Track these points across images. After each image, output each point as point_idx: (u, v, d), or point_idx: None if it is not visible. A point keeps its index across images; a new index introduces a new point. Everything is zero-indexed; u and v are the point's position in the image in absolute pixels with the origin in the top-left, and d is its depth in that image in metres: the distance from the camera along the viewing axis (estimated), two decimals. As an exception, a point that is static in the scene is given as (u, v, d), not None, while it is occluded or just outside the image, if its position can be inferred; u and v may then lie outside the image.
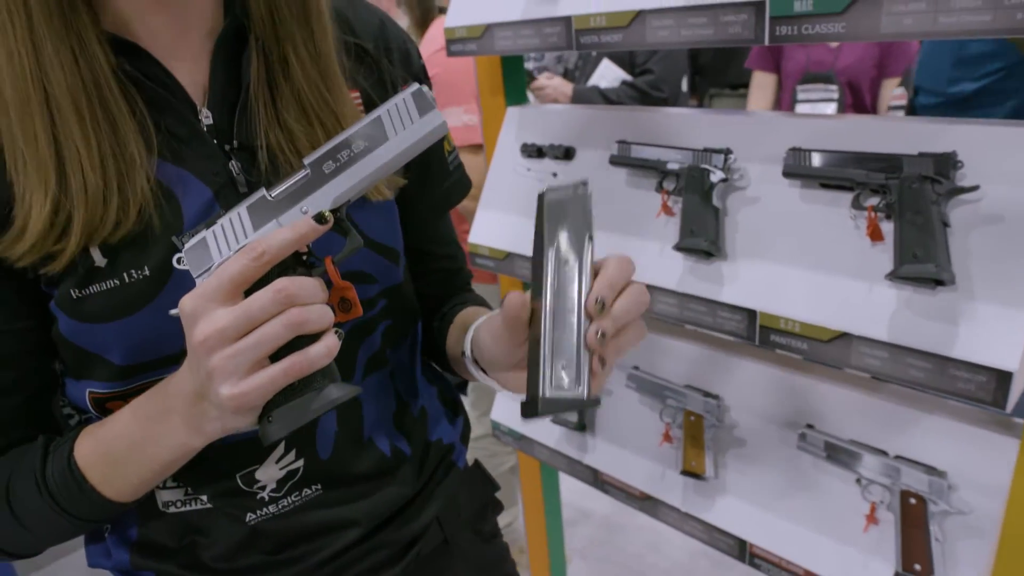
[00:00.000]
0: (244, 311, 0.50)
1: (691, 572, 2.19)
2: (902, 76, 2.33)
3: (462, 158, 0.89)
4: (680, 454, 1.06)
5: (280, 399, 0.53)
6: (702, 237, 0.92)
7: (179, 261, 0.55)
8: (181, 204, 0.60)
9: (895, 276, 0.75)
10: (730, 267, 0.92)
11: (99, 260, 0.58)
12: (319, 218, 0.54)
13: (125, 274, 0.59)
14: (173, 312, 0.52)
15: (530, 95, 2.50)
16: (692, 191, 0.93)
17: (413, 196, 0.77)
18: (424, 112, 0.55)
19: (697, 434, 1.04)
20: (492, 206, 1.23)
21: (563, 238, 0.56)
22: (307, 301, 0.52)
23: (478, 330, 0.70)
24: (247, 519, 0.69)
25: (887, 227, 0.79)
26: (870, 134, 0.82)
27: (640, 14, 0.88)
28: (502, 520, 2.14)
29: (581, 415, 1.22)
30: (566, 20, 0.97)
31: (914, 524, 0.84)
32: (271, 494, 0.69)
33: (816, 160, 0.84)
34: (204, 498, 0.68)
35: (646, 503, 1.13)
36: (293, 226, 0.53)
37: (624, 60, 2.49)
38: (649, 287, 0.98)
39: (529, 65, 2.64)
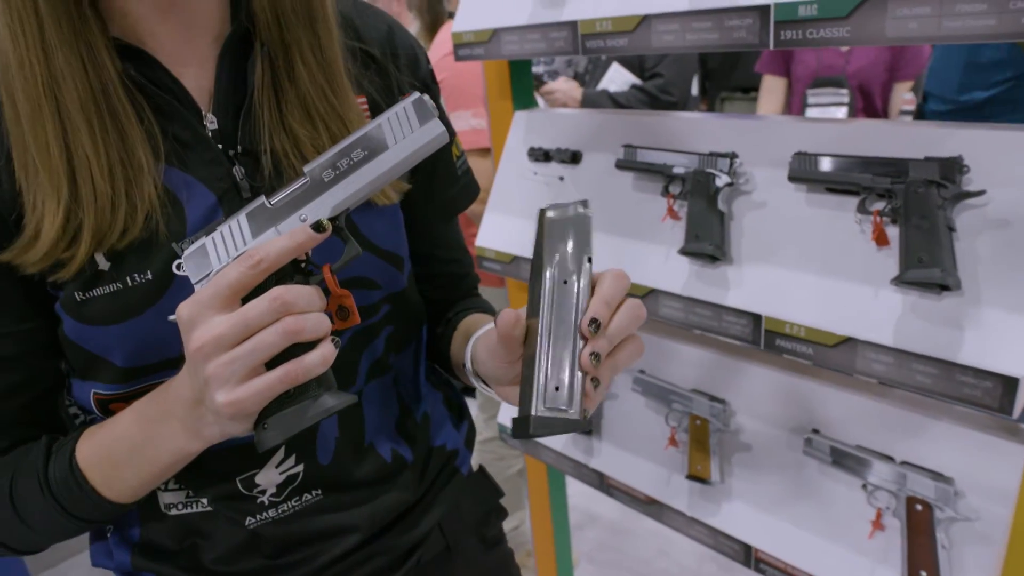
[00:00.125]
0: (240, 319, 0.50)
1: (699, 577, 2.18)
2: (914, 81, 2.32)
3: (470, 162, 0.89)
4: (686, 458, 1.06)
5: (276, 406, 0.53)
6: (707, 241, 0.92)
7: (178, 267, 0.55)
8: (185, 209, 0.61)
9: (900, 281, 0.74)
10: (735, 271, 0.92)
11: (103, 264, 0.59)
12: (317, 226, 0.54)
13: (128, 278, 0.59)
14: (172, 318, 0.53)
15: (540, 99, 2.51)
16: (698, 195, 0.93)
17: (420, 201, 0.77)
18: (425, 121, 0.55)
19: (703, 438, 1.04)
20: (499, 210, 1.23)
21: (562, 257, 0.56)
22: (303, 309, 0.52)
23: (476, 344, 0.70)
24: (247, 523, 0.69)
25: (893, 232, 0.78)
26: (876, 138, 0.82)
27: (645, 19, 0.88)
28: (509, 523, 2.14)
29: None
30: (572, 25, 0.97)
31: (920, 531, 0.83)
32: (271, 498, 0.70)
33: (822, 164, 0.83)
34: (205, 501, 0.69)
35: (652, 507, 1.13)
36: (291, 234, 0.53)
37: (634, 64, 2.49)
38: (654, 291, 0.99)
39: (539, 69, 2.65)
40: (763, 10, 0.77)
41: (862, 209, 0.81)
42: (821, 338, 0.82)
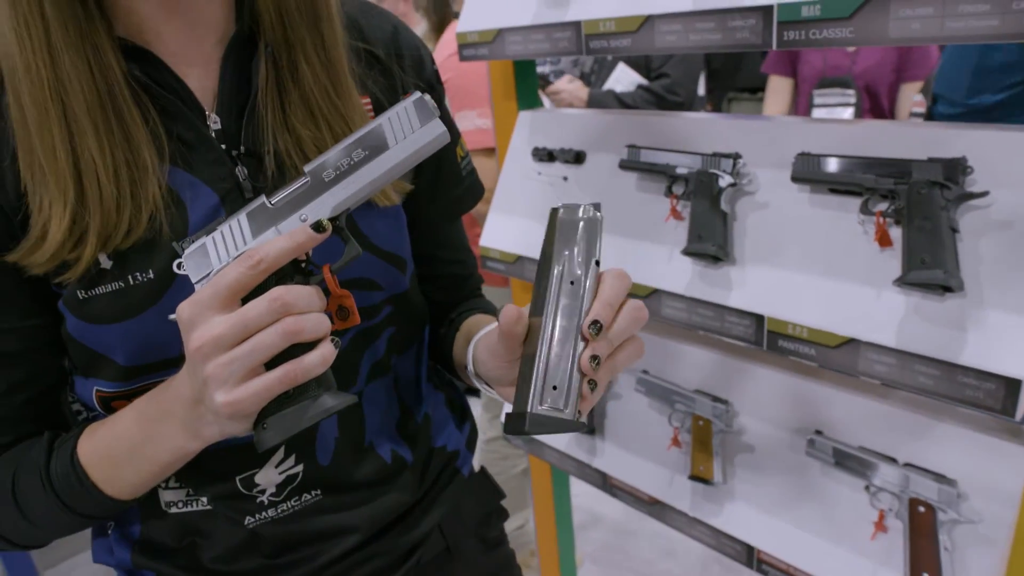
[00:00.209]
0: (240, 319, 0.51)
1: (703, 578, 2.18)
2: (923, 83, 2.30)
3: (476, 161, 0.89)
4: (688, 459, 1.06)
5: (275, 407, 0.53)
6: (710, 242, 0.92)
7: (179, 266, 0.55)
8: (188, 209, 0.61)
9: (903, 282, 0.74)
10: (738, 272, 0.92)
11: (105, 263, 0.59)
12: (317, 226, 0.54)
13: (130, 276, 0.59)
14: (172, 317, 0.53)
15: (546, 99, 2.51)
16: (701, 196, 0.93)
17: (424, 201, 0.77)
18: (425, 121, 0.55)
19: (705, 439, 1.04)
20: (503, 210, 1.23)
21: (570, 258, 0.56)
22: (303, 310, 0.52)
23: (477, 344, 0.70)
24: (246, 522, 0.70)
25: (896, 233, 0.78)
26: (880, 139, 0.81)
27: (649, 19, 0.88)
28: (514, 522, 2.14)
29: (591, 418, 1.23)
30: (576, 25, 0.97)
31: (923, 533, 0.83)
32: (271, 498, 0.70)
33: (825, 165, 0.83)
34: (204, 500, 0.69)
35: (654, 507, 1.13)
36: (291, 234, 0.53)
37: (640, 64, 2.49)
38: (657, 291, 0.99)
39: (546, 69, 2.65)
40: (766, 10, 0.77)
41: (865, 210, 0.80)
42: (823, 339, 0.82)
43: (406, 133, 0.55)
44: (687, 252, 0.94)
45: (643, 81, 2.49)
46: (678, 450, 1.09)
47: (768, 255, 0.90)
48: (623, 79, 2.50)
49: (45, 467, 0.63)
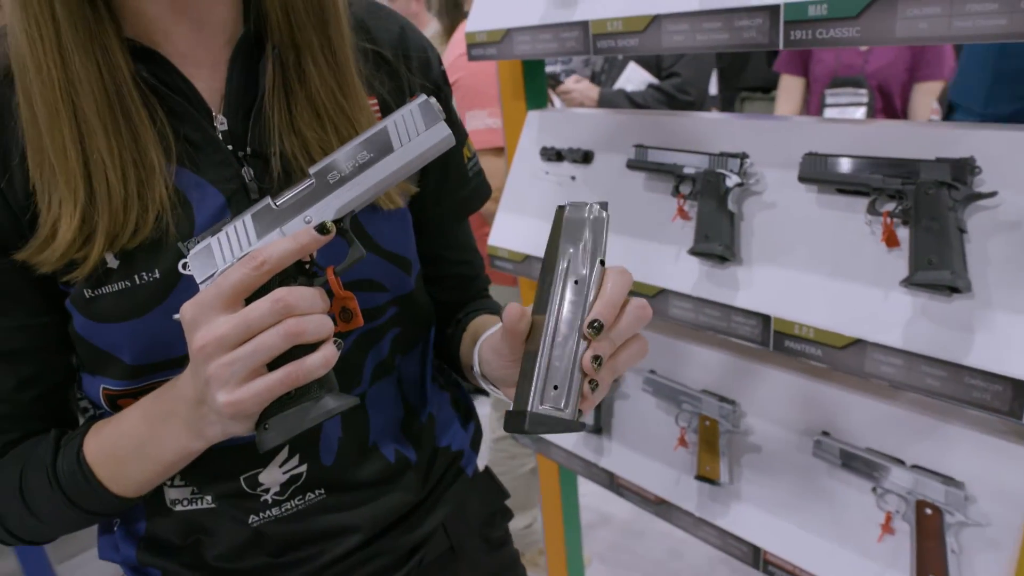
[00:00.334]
0: (242, 320, 0.51)
1: (712, 579, 2.17)
2: (942, 83, 2.26)
3: (486, 161, 0.89)
4: (695, 459, 1.06)
5: (277, 407, 0.54)
6: (717, 242, 0.91)
7: (184, 267, 0.56)
8: (195, 210, 0.61)
9: (910, 283, 0.74)
10: (745, 272, 0.92)
11: (112, 262, 0.60)
12: (321, 228, 0.54)
13: (136, 276, 0.60)
14: (176, 317, 0.54)
15: (557, 99, 2.50)
16: (708, 195, 0.93)
17: (431, 202, 0.77)
18: (431, 124, 0.55)
19: (712, 439, 1.04)
20: (512, 209, 1.24)
21: (575, 257, 0.56)
22: (305, 311, 0.52)
23: (483, 344, 0.70)
24: (250, 521, 0.70)
25: (903, 233, 0.78)
26: (888, 139, 0.81)
27: (656, 19, 0.88)
28: (522, 521, 2.15)
29: (598, 417, 1.23)
30: (583, 25, 0.98)
31: (930, 535, 0.82)
32: (274, 497, 0.70)
33: (832, 165, 0.83)
34: (209, 498, 0.70)
35: (661, 507, 1.13)
36: (294, 236, 0.53)
37: (651, 63, 2.48)
38: (664, 291, 0.99)
39: (557, 68, 2.64)
40: (773, 10, 0.77)
41: (872, 210, 0.80)
42: (830, 339, 0.82)
43: (411, 136, 0.55)
44: (694, 252, 0.94)
45: (654, 80, 2.48)
46: (685, 450, 1.09)
47: (775, 255, 0.89)
48: (634, 78, 2.49)
49: (52, 464, 0.63)
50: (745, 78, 3.64)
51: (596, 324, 0.53)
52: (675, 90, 2.44)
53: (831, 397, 0.92)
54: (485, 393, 0.76)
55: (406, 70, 0.73)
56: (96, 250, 0.57)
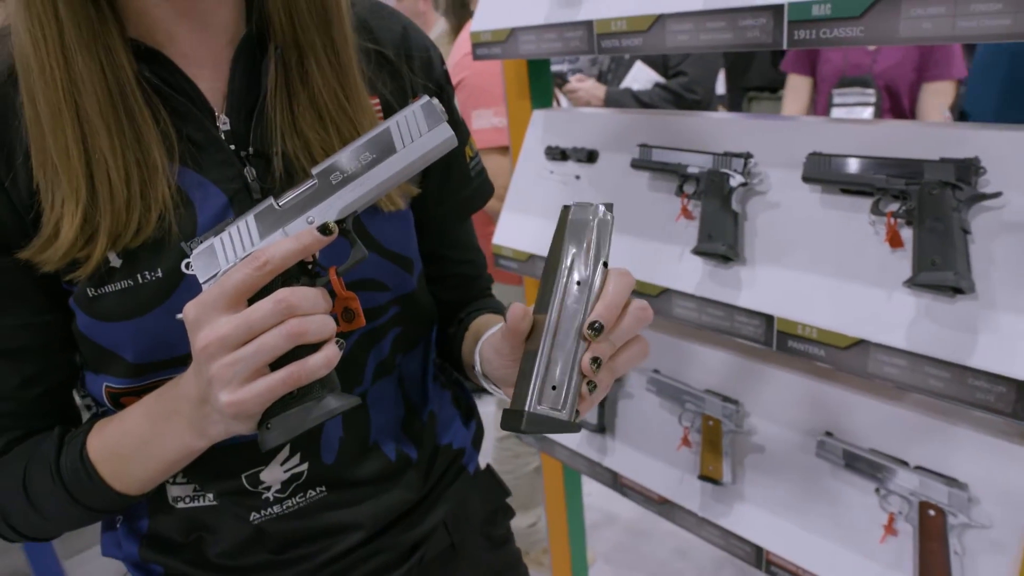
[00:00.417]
0: (244, 320, 0.51)
1: (716, 580, 2.17)
2: (952, 90, 2.24)
3: (492, 160, 0.89)
4: (698, 459, 1.06)
5: (279, 407, 0.54)
6: (721, 241, 0.91)
7: (187, 266, 0.56)
8: (197, 210, 0.62)
9: (913, 283, 0.74)
10: (748, 272, 0.92)
11: (115, 261, 0.60)
12: (323, 229, 0.54)
13: (139, 275, 0.60)
14: (179, 316, 0.54)
15: (563, 98, 2.50)
16: (712, 195, 0.93)
17: (433, 201, 0.77)
18: (433, 125, 0.55)
19: (715, 439, 1.04)
20: (516, 208, 1.24)
21: (578, 258, 0.56)
22: (307, 311, 0.52)
23: (484, 344, 0.70)
24: (252, 518, 0.70)
25: (907, 233, 0.78)
26: (893, 139, 0.81)
27: (660, 18, 0.88)
28: (527, 520, 2.15)
29: (601, 416, 1.23)
30: (588, 24, 0.98)
31: (933, 537, 0.82)
32: (276, 495, 0.71)
33: (836, 165, 0.83)
34: (211, 496, 0.70)
35: (664, 507, 1.13)
36: (297, 236, 0.54)
37: (657, 62, 2.48)
38: (667, 291, 0.98)
39: (563, 67, 2.64)
40: (777, 10, 0.77)
41: (876, 210, 0.80)
42: (833, 340, 0.82)
43: (413, 137, 0.55)
44: (697, 251, 0.94)
45: (660, 79, 2.48)
46: (688, 450, 1.09)
47: (778, 255, 0.89)
48: (640, 77, 2.49)
49: (55, 461, 0.64)
50: (748, 78, 3.62)
51: (596, 325, 0.53)
52: (682, 89, 2.43)
53: (834, 398, 0.92)
54: (489, 392, 0.76)
55: (408, 70, 0.73)
56: (99, 249, 0.58)
